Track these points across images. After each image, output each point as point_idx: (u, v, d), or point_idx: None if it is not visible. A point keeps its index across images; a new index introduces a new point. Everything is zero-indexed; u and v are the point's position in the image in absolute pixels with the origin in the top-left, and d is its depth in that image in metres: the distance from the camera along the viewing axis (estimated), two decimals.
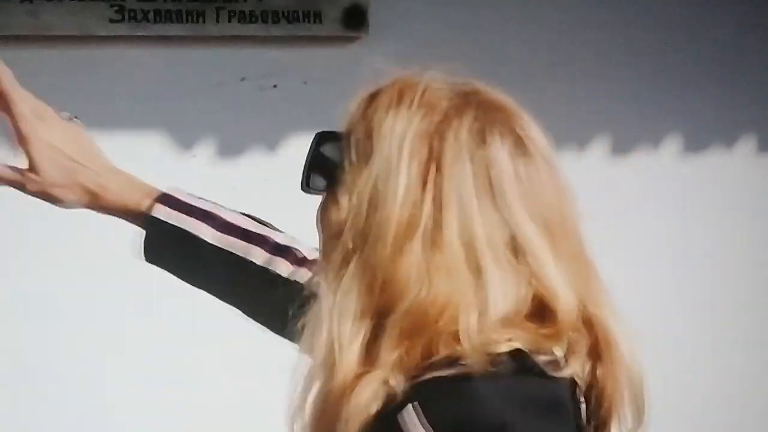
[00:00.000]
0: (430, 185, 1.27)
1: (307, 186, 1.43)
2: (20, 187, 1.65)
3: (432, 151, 1.28)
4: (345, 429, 1.22)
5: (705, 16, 3.77)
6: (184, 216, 1.64)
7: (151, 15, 3.46)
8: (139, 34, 3.46)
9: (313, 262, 1.62)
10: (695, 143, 3.77)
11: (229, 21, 3.51)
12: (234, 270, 1.62)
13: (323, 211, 1.36)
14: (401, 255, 1.26)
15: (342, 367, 1.23)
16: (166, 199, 1.66)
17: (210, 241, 1.62)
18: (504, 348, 1.22)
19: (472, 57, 3.59)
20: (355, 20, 3.60)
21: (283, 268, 1.64)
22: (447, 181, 1.26)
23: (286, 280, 1.62)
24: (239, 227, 1.66)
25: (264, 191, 3.58)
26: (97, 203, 1.66)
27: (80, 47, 3.44)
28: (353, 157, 1.31)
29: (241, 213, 1.70)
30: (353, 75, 3.73)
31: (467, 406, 1.20)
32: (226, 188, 3.52)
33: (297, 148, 3.57)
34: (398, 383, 1.22)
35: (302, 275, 1.63)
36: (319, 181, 1.41)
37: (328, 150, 1.40)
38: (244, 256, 1.62)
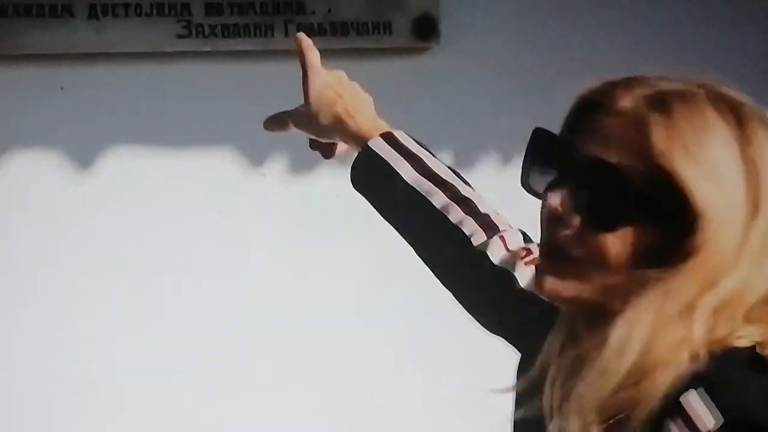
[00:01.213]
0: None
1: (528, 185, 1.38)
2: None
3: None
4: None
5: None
6: (393, 151, 1.77)
7: (218, 30, 3.41)
8: (206, 49, 3.41)
9: (486, 216, 1.70)
10: None
11: None
12: (416, 208, 1.73)
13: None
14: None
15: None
16: (387, 136, 1.80)
17: (404, 177, 1.74)
18: None
19: (541, 65, 3.54)
20: (426, 30, 3.53)
21: (454, 214, 1.70)
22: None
23: (454, 226, 1.69)
24: (434, 172, 1.76)
25: (335, 207, 3.52)
26: (341, 128, 1.85)
27: (147, 63, 3.39)
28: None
29: (447, 166, 1.79)
30: (425, 85, 3.70)
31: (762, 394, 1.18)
32: (296, 205, 3.49)
33: None
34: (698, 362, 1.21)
35: (469, 226, 1.69)
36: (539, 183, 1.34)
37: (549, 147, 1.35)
38: (426, 196, 1.72)
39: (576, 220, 1.25)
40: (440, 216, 1.70)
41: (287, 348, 3.47)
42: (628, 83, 1.29)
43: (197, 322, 3.42)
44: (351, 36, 3.49)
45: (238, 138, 3.45)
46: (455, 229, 1.68)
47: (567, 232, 1.26)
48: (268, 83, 3.46)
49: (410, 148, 1.79)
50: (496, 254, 1.65)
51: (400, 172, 1.75)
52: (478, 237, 1.67)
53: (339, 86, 1.93)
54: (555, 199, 1.26)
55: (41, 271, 3.35)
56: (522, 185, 1.34)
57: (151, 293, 3.39)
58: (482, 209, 1.71)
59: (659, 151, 1.22)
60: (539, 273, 1.29)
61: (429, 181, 1.74)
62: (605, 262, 1.25)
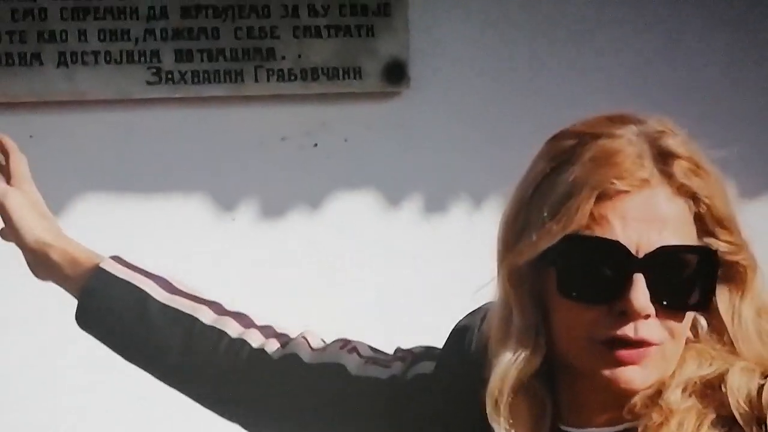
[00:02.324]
0: None
1: None
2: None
3: None
4: None
5: None
6: (133, 272, 1.60)
7: (188, 76, 3.42)
8: (177, 96, 3.42)
9: (268, 329, 1.57)
10: None
11: (268, 80, 3.46)
12: (178, 329, 1.55)
13: None
14: None
15: None
16: (117, 258, 1.62)
17: (157, 298, 1.57)
18: None
19: (510, 111, 3.57)
20: (396, 75, 3.54)
21: (233, 326, 1.57)
22: None
23: (235, 340, 1.55)
24: (188, 291, 1.61)
25: (306, 251, 3.52)
26: (44, 258, 1.61)
27: (118, 110, 3.39)
28: None
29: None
30: (394, 131, 3.72)
31: None
32: (267, 249, 3.49)
33: (340, 207, 3.52)
34: None
35: (253, 337, 1.56)
36: None
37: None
38: (191, 313, 1.56)
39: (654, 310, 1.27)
40: (214, 333, 1.56)
41: None
42: None
43: None
44: (321, 81, 3.50)
45: (208, 183, 3.45)
46: (239, 343, 1.55)
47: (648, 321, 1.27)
48: (238, 128, 3.48)
49: (146, 269, 1.62)
50: (306, 353, 1.55)
51: (149, 292, 1.58)
52: (272, 346, 1.56)
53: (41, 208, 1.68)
54: (639, 299, 1.25)
55: (11, 321, 3.33)
56: (562, 293, 1.29)
57: None
58: (258, 322, 1.60)
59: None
60: (615, 365, 1.27)
61: (186, 299, 1.59)
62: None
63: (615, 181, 1.25)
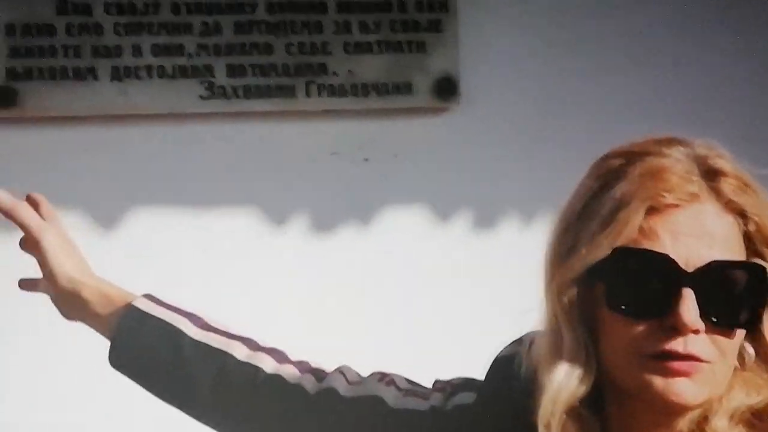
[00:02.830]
0: None
1: None
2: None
3: None
4: None
5: None
6: (166, 309, 1.59)
7: (240, 91, 3.45)
8: (229, 110, 3.45)
9: (303, 364, 1.56)
10: None
11: (319, 95, 3.48)
12: (212, 365, 1.55)
13: None
14: None
15: None
16: (149, 296, 1.61)
17: (190, 334, 1.56)
18: None
19: (561, 125, 3.57)
20: (446, 91, 3.55)
21: (267, 362, 1.56)
22: None
23: (270, 376, 1.54)
24: (222, 328, 1.59)
25: (356, 266, 3.53)
26: (75, 296, 1.62)
27: (171, 125, 3.43)
28: None
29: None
30: (444, 146, 3.73)
31: None
32: (317, 264, 3.50)
33: (391, 222, 3.53)
34: None
35: (289, 372, 1.55)
36: None
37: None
38: (224, 349, 1.55)
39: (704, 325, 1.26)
40: (249, 368, 1.55)
41: None
42: None
43: None
44: (372, 96, 3.52)
45: (260, 197, 3.47)
46: (277, 379, 1.54)
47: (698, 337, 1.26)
48: (290, 143, 3.50)
49: (178, 306, 1.61)
50: (343, 387, 1.53)
51: (182, 329, 1.57)
52: (308, 381, 1.54)
53: (71, 247, 1.69)
54: (689, 314, 1.25)
55: (61, 335, 3.36)
56: (611, 307, 1.29)
57: None
58: (293, 357, 1.58)
59: None
60: (665, 376, 1.27)
61: (219, 335, 1.58)
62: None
63: (664, 194, 1.26)
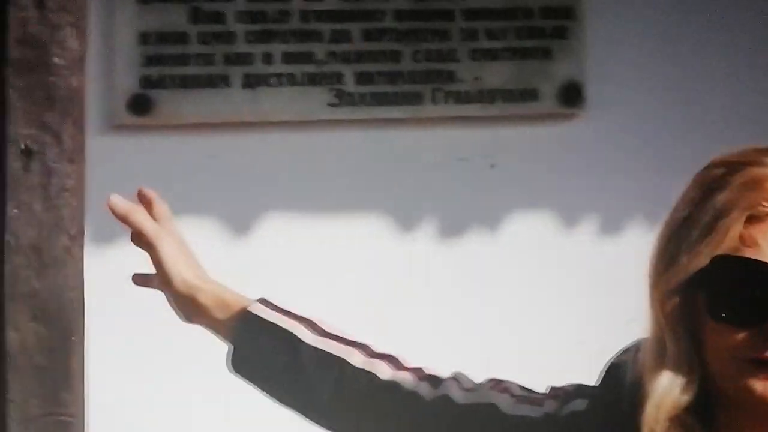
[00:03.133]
0: None
1: None
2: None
3: None
4: None
5: None
6: (282, 315, 1.58)
7: (368, 98, 3.48)
8: (358, 117, 3.47)
9: (418, 371, 1.55)
10: None
11: (446, 102, 3.51)
12: (329, 371, 1.55)
13: None
14: None
15: None
16: (264, 301, 1.60)
17: (307, 341, 1.55)
18: None
19: (687, 130, 3.56)
20: (572, 97, 3.57)
21: (383, 369, 1.55)
22: None
23: (386, 382, 1.54)
24: (338, 334, 1.58)
25: (483, 271, 3.54)
26: (192, 301, 1.62)
27: (301, 132, 3.46)
28: None
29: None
30: (571, 152, 3.73)
31: None
32: (446, 269, 3.52)
33: (517, 228, 3.53)
34: None
35: (405, 379, 1.54)
36: None
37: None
38: (341, 355, 1.55)
39: None
40: (365, 375, 1.54)
41: None
42: None
43: None
44: (498, 103, 3.53)
45: (389, 202, 3.50)
46: (393, 386, 1.53)
47: None
48: (417, 149, 3.53)
49: (293, 311, 1.60)
50: (458, 393, 1.51)
51: (298, 335, 1.56)
52: (423, 388, 1.52)
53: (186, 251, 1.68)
54: None
55: (195, 338, 3.40)
56: (711, 315, 1.30)
57: None
58: (408, 364, 1.56)
59: None
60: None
61: (335, 341, 1.57)
62: None
63: (765, 203, 1.27)
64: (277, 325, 1.56)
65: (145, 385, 3.39)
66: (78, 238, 3.15)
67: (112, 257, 3.35)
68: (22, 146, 3.18)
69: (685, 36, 3.61)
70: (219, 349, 3.36)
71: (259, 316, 1.56)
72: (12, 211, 3.13)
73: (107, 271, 3.31)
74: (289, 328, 1.55)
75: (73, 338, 3.37)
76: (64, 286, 3.23)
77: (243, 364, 1.59)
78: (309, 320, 1.58)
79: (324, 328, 1.58)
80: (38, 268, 3.22)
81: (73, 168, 3.39)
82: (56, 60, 3.19)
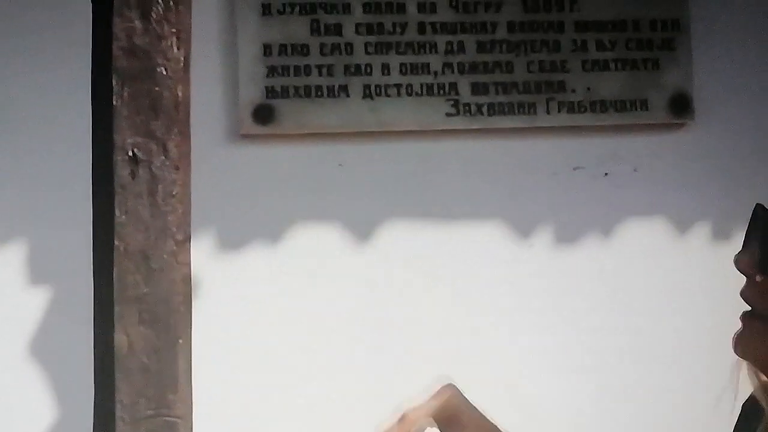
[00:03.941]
0: None
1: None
2: None
3: None
4: None
5: None
6: None
7: (485, 108, 3.53)
8: (473, 127, 3.52)
9: None
10: None
11: (559, 111, 3.56)
12: None
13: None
14: None
15: None
16: None
17: None
18: None
19: None
20: (681, 107, 3.62)
21: None
22: None
23: None
24: None
25: (599, 279, 3.57)
26: None
27: (419, 141, 3.51)
28: None
29: None
30: (681, 161, 3.76)
31: None
32: (562, 276, 3.54)
33: (630, 235, 3.56)
34: None
35: None
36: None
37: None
38: None
39: None
40: None
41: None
42: None
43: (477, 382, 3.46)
44: (610, 112, 3.59)
45: (505, 210, 3.53)
46: None
47: None
48: (532, 158, 3.57)
49: None
50: None
51: None
52: None
53: None
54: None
55: (324, 342, 3.42)
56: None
57: (428, 362, 3.44)
58: None
59: None
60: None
61: None
62: None
63: None
64: None
65: (249, 388, 3.41)
66: (185, 244, 3.19)
67: (219, 262, 3.39)
68: (129, 154, 3.22)
69: None
70: (322, 356, 3.39)
71: None
72: (120, 217, 3.17)
73: (214, 276, 3.35)
74: None
75: (180, 341, 3.40)
76: (170, 291, 3.26)
77: None
78: None
79: None
80: (146, 272, 3.25)
81: (179, 175, 3.42)
82: (160, 70, 3.24)
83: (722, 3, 3.68)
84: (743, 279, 3.69)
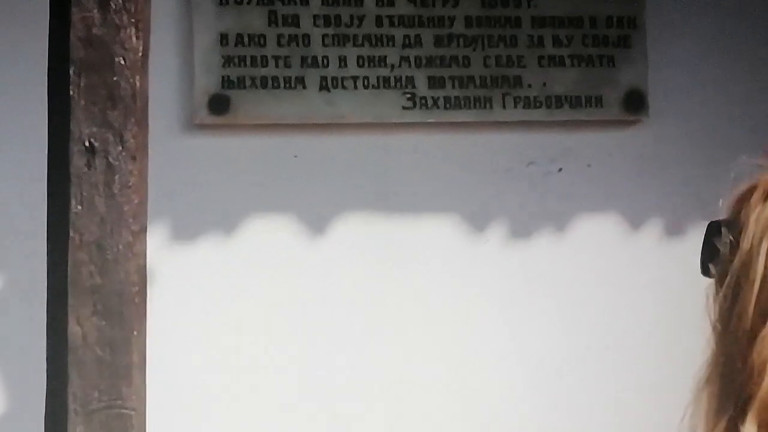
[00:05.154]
0: None
1: (704, 273, 1.43)
2: None
3: None
4: None
5: None
6: None
7: (441, 102, 3.53)
8: (429, 120, 3.53)
9: None
10: None
11: (515, 106, 3.57)
12: None
13: (710, 299, 1.39)
14: (757, 342, 1.27)
15: None
16: None
17: None
18: None
19: (748, 137, 3.64)
20: (635, 104, 3.64)
21: None
22: None
23: None
24: None
25: (553, 274, 3.59)
26: None
27: (375, 134, 3.51)
28: (725, 249, 1.36)
29: None
30: (635, 157, 3.79)
31: None
32: (515, 271, 3.56)
33: (584, 231, 3.58)
34: None
35: None
36: (711, 270, 1.41)
37: (715, 239, 1.40)
38: None
39: None
40: None
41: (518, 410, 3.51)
42: None
43: (429, 378, 3.47)
44: (565, 108, 3.60)
45: (460, 204, 3.54)
46: None
47: None
48: (487, 153, 3.58)
49: None
50: None
51: None
52: None
53: None
54: None
55: (279, 333, 3.42)
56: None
57: (383, 353, 3.45)
58: None
59: None
60: None
61: None
62: None
63: None
64: None
65: (203, 380, 3.40)
66: (140, 234, 3.18)
67: (174, 253, 3.38)
68: (86, 144, 3.21)
69: (742, 43, 3.71)
70: (276, 347, 3.38)
71: None
72: (76, 207, 3.16)
73: (169, 268, 3.34)
74: None
75: (134, 332, 3.39)
76: (126, 282, 3.25)
77: None
78: None
79: None
80: (101, 263, 3.23)
81: (135, 166, 3.40)
82: (118, 60, 3.22)
83: (678, 1, 3.70)
84: (693, 272, 3.72)
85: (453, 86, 3.55)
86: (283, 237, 3.45)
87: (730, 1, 3.73)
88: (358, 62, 3.50)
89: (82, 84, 3.12)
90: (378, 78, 3.51)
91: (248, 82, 3.43)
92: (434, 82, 3.54)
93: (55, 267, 2.82)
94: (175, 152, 3.36)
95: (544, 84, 3.60)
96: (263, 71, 3.45)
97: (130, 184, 3.22)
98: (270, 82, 3.45)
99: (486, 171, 3.57)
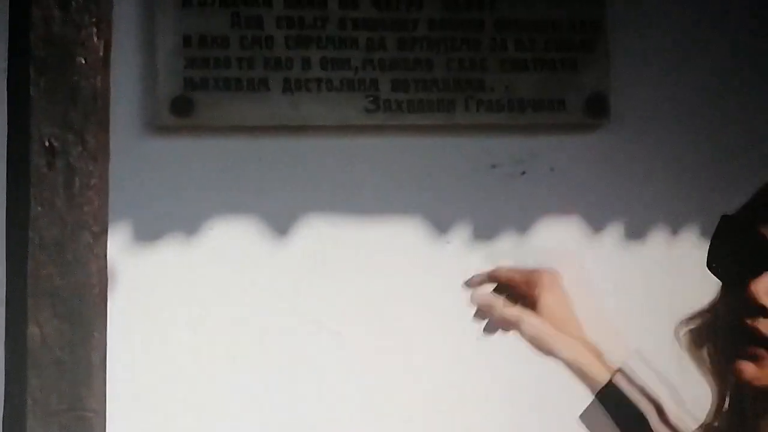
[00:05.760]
0: None
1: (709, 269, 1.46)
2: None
3: None
4: None
5: None
6: (638, 393, 1.70)
7: (404, 105, 3.54)
8: (393, 123, 3.53)
9: None
10: None
11: (478, 110, 3.58)
12: None
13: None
14: None
15: None
16: (624, 374, 1.72)
17: (653, 425, 1.67)
18: None
19: (710, 141, 3.67)
20: (597, 108, 3.66)
21: None
22: None
23: None
24: (675, 422, 1.68)
25: None
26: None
27: (338, 136, 3.51)
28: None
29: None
30: (597, 161, 3.80)
31: None
32: (477, 273, 3.56)
33: (546, 234, 3.60)
34: None
35: None
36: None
37: (726, 235, 1.44)
38: None
39: None
40: None
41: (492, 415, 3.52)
42: None
43: (395, 383, 3.47)
44: (528, 112, 3.62)
45: (423, 206, 3.55)
46: None
47: None
48: (450, 156, 3.59)
49: (649, 392, 1.71)
50: None
51: (648, 418, 1.68)
52: None
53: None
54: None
55: (240, 336, 3.42)
56: (707, 266, 1.41)
57: (347, 357, 3.45)
58: None
59: None
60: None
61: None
62: None
63: None
64: (633, 404, 1.68)
65: (164, 383, 3.40)
66: (101, 236, 3.15)
67: (136, 255, 3.37)
68: (46, 144, 3.18)
69: (705, 49, 3.73)
70: (239, 350, 3.38)
71: (621, 391, 1.69)
72: (36, 208, 3.14)
73: (130, 270, 3.33)
74: (642, 409, 1.67)
75: (95, 334, 3.37)
76: (86, 284, 3.22)
77: (592, 423, 1.72)
78: (658, 404, 1.67)
79: (668, 415, 1.67)
80: (61, 265, 3.21)
81: (96, 167, 3.38)
82: (79, 60, 3.20)
83: (641, 5, 3.72)
84: (653, 276, 3.75)
85: (416, 89, 3.56)
86: (246, 239, 3.44)
87: (692, 5, 3.75)
88: (321, 64, 3.50)
89: (42, 84, 3.10)
90: (341, 80, 3.51)
91: (211, 84, 3.42)
92: (398, 85, 3.54)
93: (14, 269, 2.80)
94: (137, 154, 3.35)
95: (507, 87, 3.61)
96: (226, 73, 3.44)
97: (91, 185, 3.20)
98: (233, 84, 3.44)
99: (449, 174, 3.58)
